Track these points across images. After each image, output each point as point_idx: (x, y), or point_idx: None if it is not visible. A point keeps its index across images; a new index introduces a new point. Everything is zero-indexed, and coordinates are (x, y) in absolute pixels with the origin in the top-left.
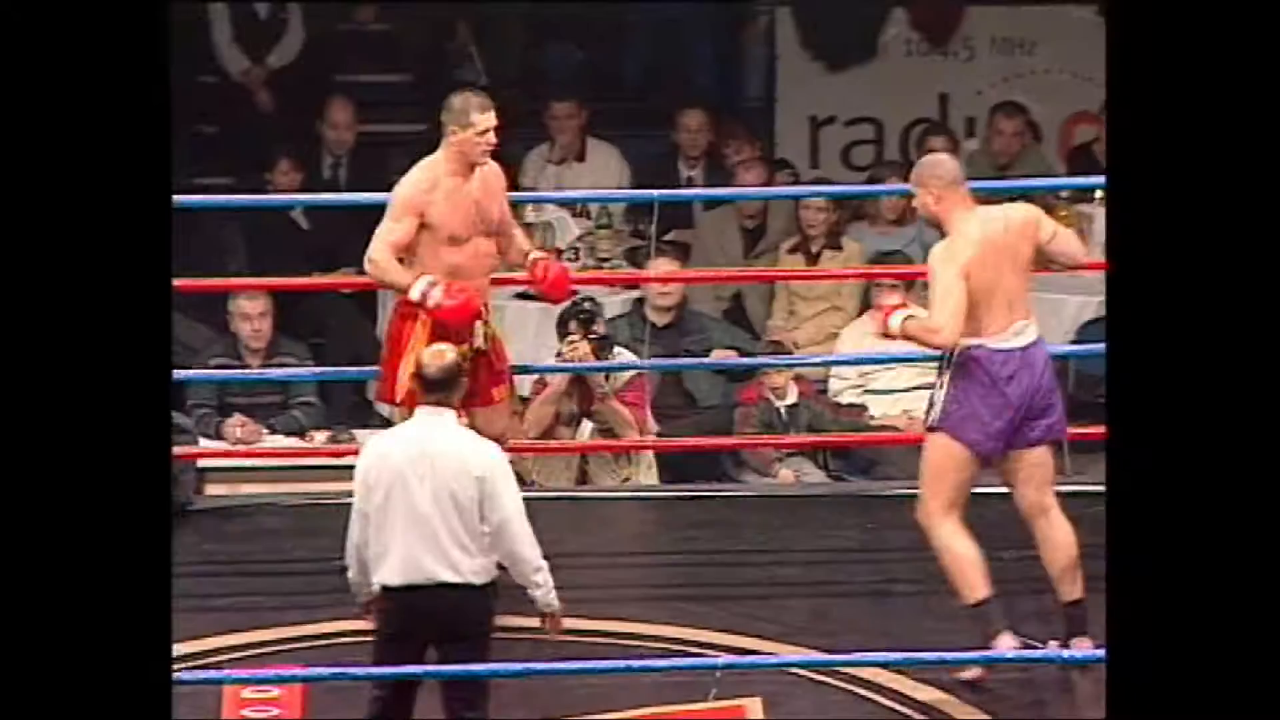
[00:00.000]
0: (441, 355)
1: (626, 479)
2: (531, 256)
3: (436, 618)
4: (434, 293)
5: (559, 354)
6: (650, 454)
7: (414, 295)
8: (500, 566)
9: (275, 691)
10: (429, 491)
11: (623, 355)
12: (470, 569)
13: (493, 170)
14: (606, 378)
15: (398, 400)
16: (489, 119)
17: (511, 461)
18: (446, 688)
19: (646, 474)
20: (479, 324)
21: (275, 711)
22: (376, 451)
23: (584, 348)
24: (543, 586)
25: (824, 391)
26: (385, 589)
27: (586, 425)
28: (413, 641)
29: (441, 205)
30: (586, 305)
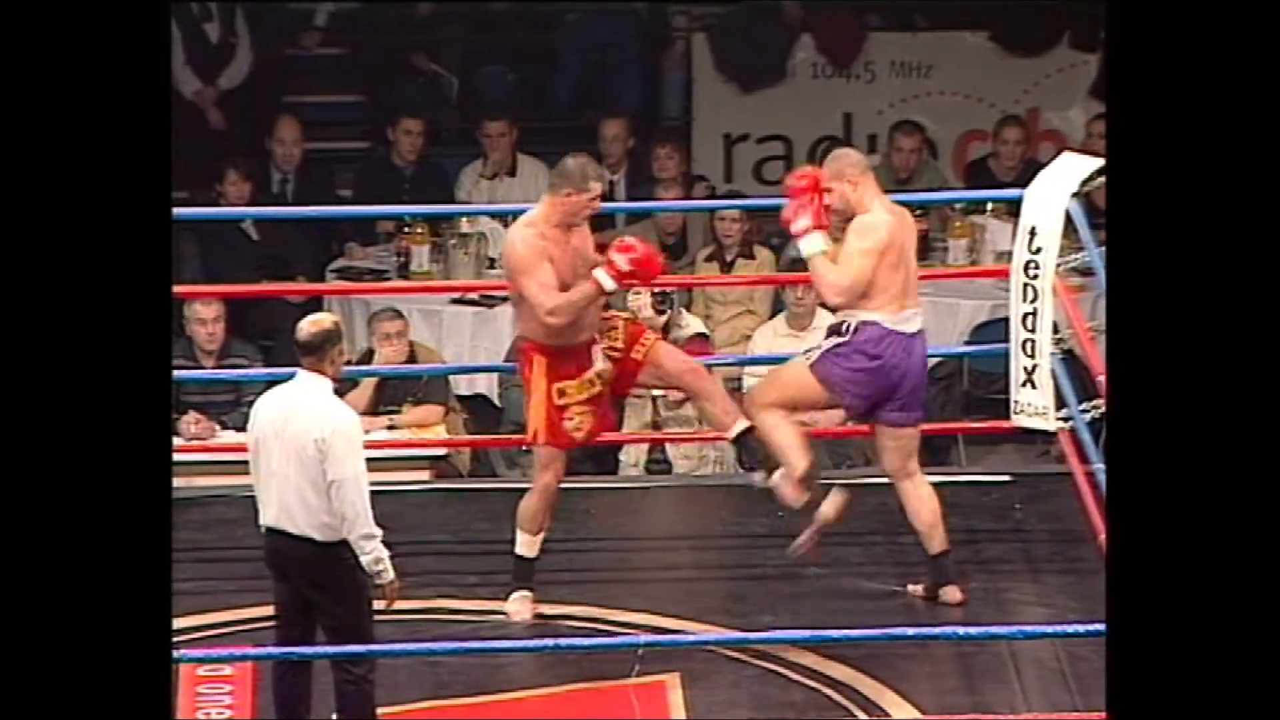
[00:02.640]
0: (318, 322)
1: None
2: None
3: (293, 564)
4: (619, 259)
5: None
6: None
7: (609, 285)
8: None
9: (228, 669)
10: (282, 448)
11: (685, 316)
12: (309, 524)
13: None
14: (666, 331)
15: (531, 440)
16: (600, 186)
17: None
18: (332, 644)
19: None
20: (598, 350)
21: (228, 688)
22: (256, 408)
23: (646, 297)
24: (369, 553)
25: (739, 389)
26: (266, 529)
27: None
28: (288, 582)
29: (555, 256)
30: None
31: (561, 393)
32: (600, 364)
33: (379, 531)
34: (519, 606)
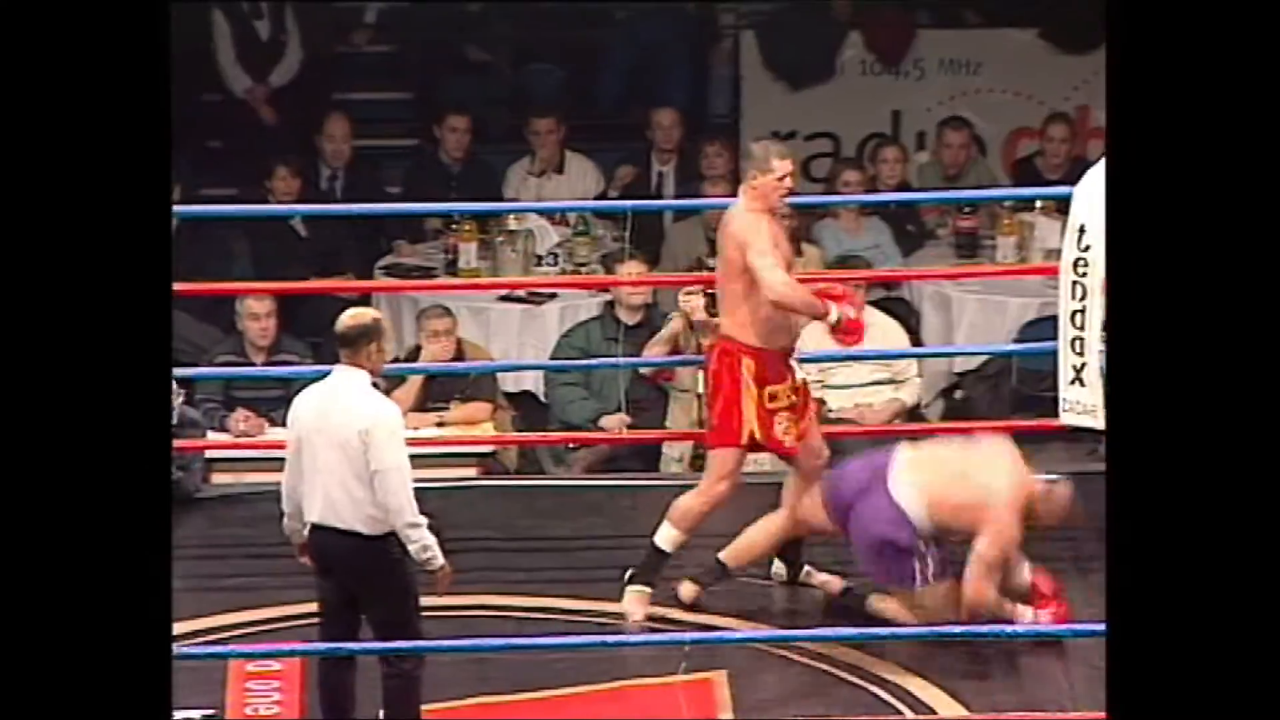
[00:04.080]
0: (358, 316)
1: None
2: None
3: (339, 559)
4: (847, 310)
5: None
6: None
7: (834, 316)
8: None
9: (276, 665)
10: (325, 442)
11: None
12: (355, 517)
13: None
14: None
15: (742, 443)
16: (787, 165)
17: None
18: (379, 639)
19: None
20: (794, 362)
21: (276, 684)
22: (295, 404)
23: (699, 299)
24: (415, 542)
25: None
26: (311, 526)
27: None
28: (333, 578)
29: (777, 242)
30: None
31: (773, 396)
32: (801, 374)
33: (424, 520)
34: (635, 606)
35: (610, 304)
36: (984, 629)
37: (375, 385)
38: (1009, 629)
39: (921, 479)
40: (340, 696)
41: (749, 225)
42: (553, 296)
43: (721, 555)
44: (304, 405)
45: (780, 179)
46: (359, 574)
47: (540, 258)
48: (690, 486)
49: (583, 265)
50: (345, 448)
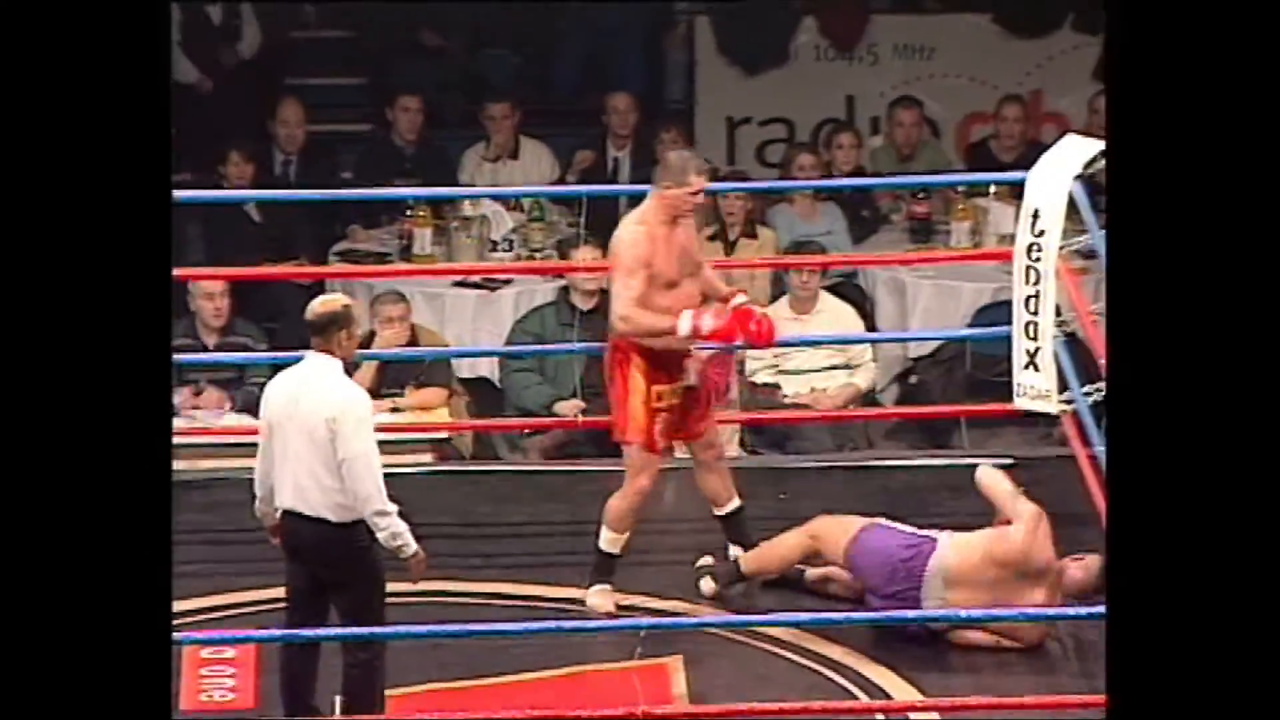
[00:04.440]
0: (328, 303)
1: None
2: (734, 302)
3: (307, 546)
4: (704, 321)
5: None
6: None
7: (685, 329)
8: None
9: (231, 652)
10: (295, 429)
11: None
12: (323, 504)
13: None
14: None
15: (629, 439)
16: (702, 180)
17: None
18: (344, 625)
19: (730, 443)
20: (690, 361)
21: (230, 670)
22: (268, 390)
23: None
24: (384, 530)
25: (741, 372)
26: (281, 511)
27: None
28: (300, 562)
29: (660, 255)
30: None
31: (659, 396)
32: (692, 378)
33: (393, 508)
34: (600, 600)
35: (565, 290)
36: (939, 613)
37: (346, 371)
38: (967, 613)
39: (955, 585)
40: (300, 683)
41: (627, 242)
42: (508, 282)
43: (742, 561)
44: (276, 391)
45: (693, 193)
46: (327, 561)
47: (495, 243)
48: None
49: (538, 251)
50: (313, 435)
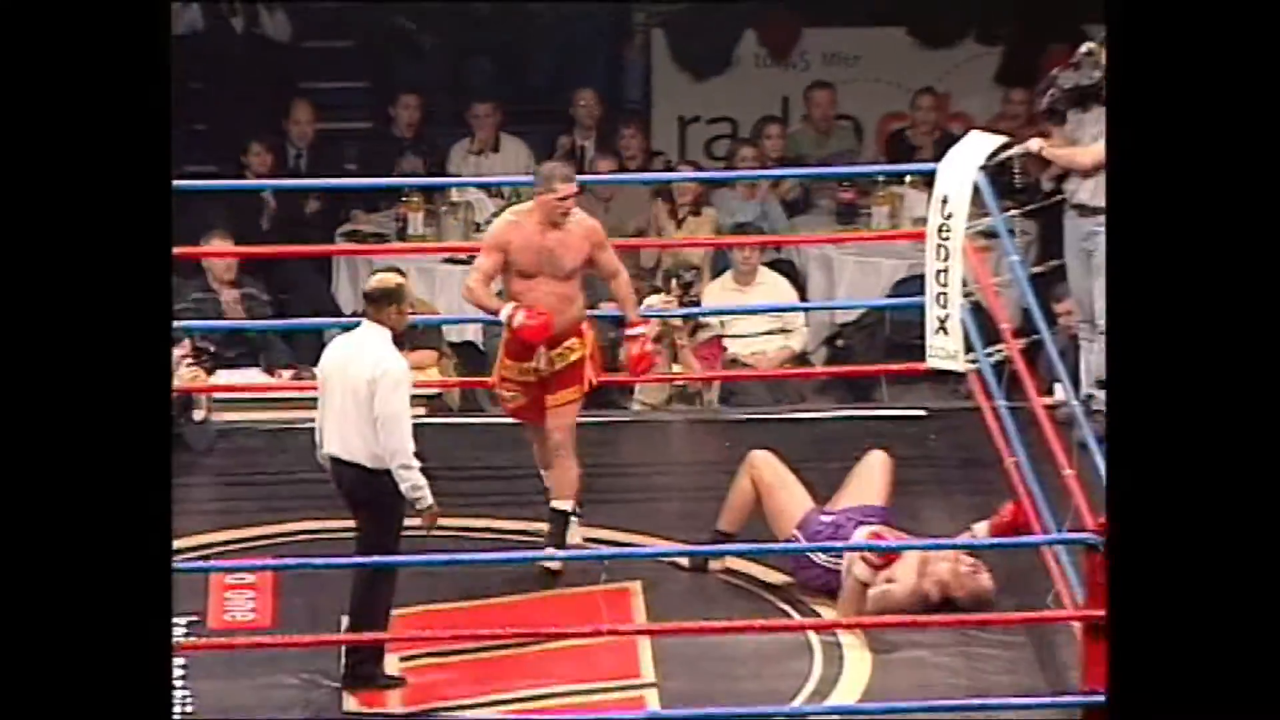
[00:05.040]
0: (383, 280)
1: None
2: (630, 333)
3: (345, 485)
4: (517, 315)
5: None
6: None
7: (502, 316)
8: None
9: (251, 578)
10: (341, 387)
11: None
12: (362, 453)
13: (583, 228)
14: (691, 333)
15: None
16: (569, 188)
17: None
18: (360, 553)
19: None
20: (542, 351)
21: (251, 594)
22: (326, 351)
23: (674, 301)
24: (406, 481)
25: (694, 335)
26: (330, 457)
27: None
28: (347, 501)
29: (517, 244)
30: (688, 275)
31: (505, 365)
32: (540, 363)
33: (417, 463)
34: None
35: None
36: (869, 543)
37: (397, 342)
38: (891, 544)
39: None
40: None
41: (495, 225)
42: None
43: (720, 526)
44: (331, 352)
45: (561, 199)
46: (357, 498)
47: (479, 225)
48: (617, 424)
49: None
50: (356, 393)
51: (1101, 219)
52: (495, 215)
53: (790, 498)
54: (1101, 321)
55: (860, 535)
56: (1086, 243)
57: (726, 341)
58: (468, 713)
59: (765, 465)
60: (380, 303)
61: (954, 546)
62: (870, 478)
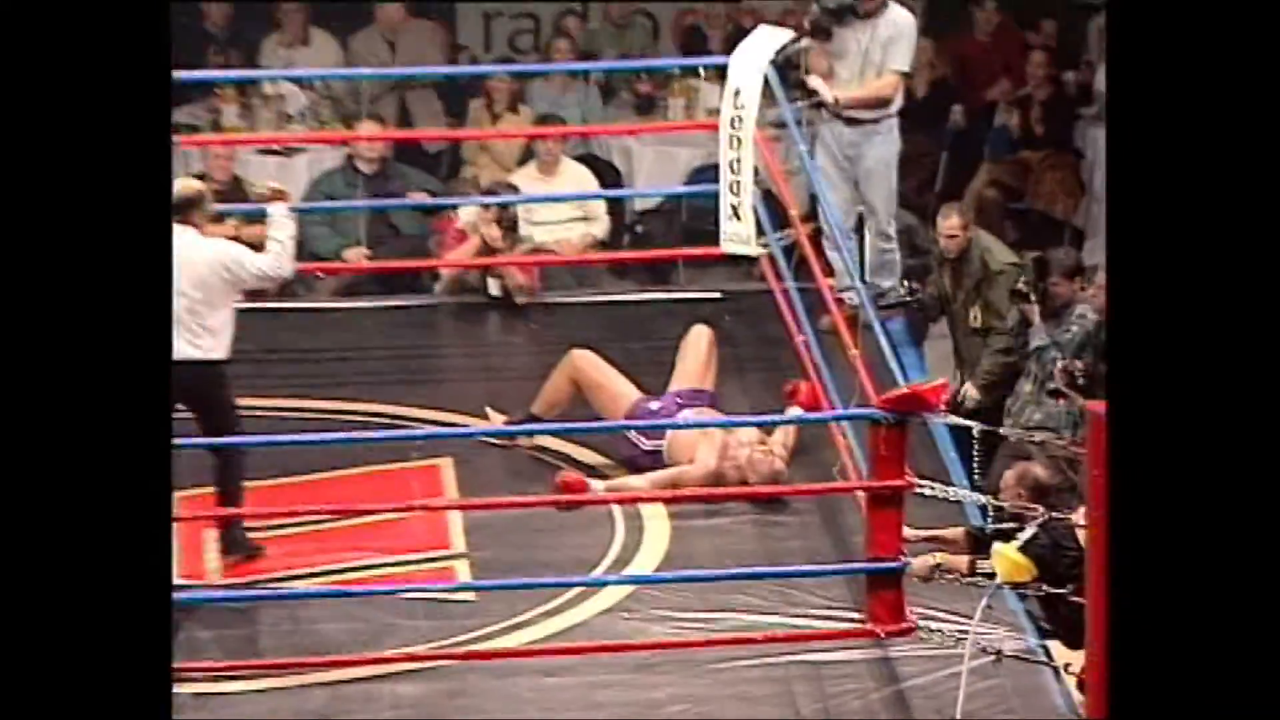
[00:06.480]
0: (185, 187)
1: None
2: None
3: (179, 386)
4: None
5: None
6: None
7: None
8: None
9: None
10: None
11: (525, 231)
12: (188, 350)
13: None
14: (511, 246)
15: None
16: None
17: None
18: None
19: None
20: None
21: None
22: None
23: (495, 230)
24: (278, 237)
25: (515, 230)
26: None
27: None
28: (181, 400)
29: None
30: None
31: None
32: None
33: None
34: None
35: (350, 157)
36: (660, 422)
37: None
38: (675, 420)
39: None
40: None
41: None
42: (301, 150)
43: (533, 410)
44: None
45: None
46: (186, 397)
47: (290, 117)
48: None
49: (326, 124)
50: (182, 293)
51: (868, 128)
52: (307, 108)
53: (617, 391)
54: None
55: (683, 417)
56: (850, 150)
57: (530, 229)
58: (279, 585)
59: (587, 364)
60: (185, 209)
61: (752, 423)
62: (695, 357)
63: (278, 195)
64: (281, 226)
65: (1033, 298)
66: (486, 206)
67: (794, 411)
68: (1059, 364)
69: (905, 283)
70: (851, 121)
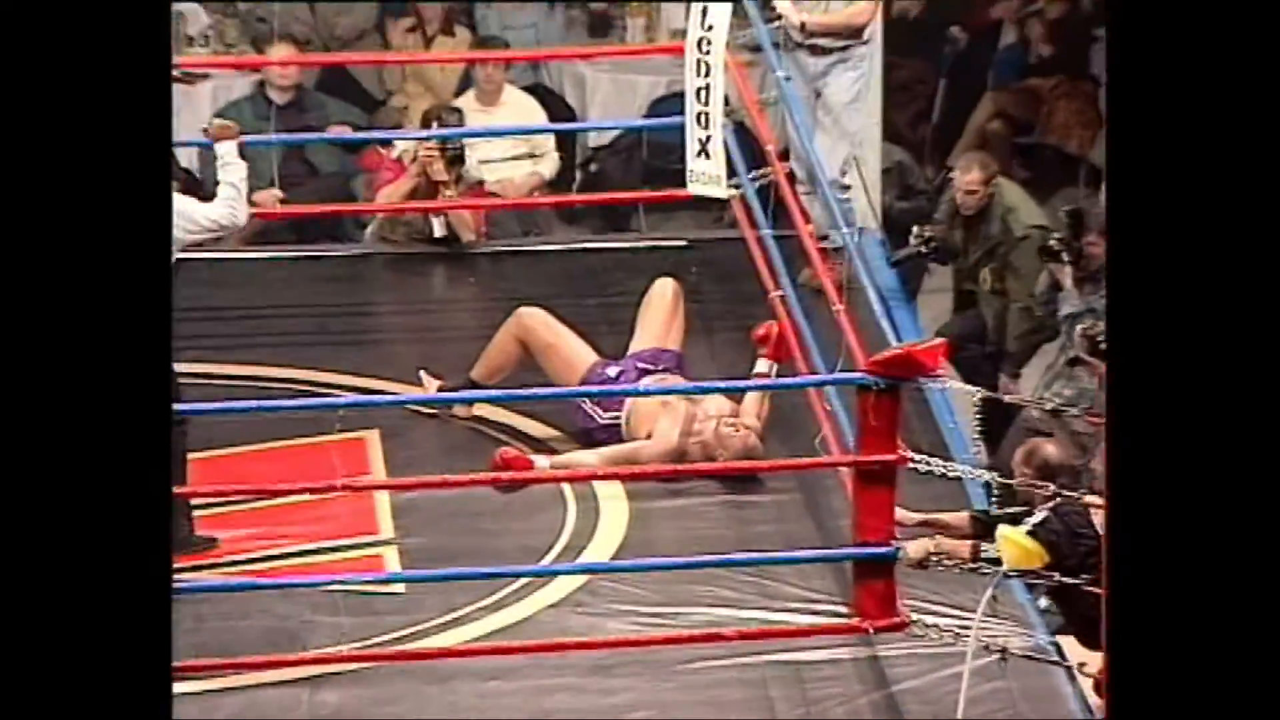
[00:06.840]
0: None
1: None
2: None
3: None
4: None
5: (415, 154)
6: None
7: None
8: None
9: None
10: None
11: (471, 165)
12: None
13: None
14: (456, 180)
15: None
16: None
17: None
18: None
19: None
20: None
21: None
22: None
23: (440, 163)
24: (228, 178)
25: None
26: None
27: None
28: None
29: None
30: (450, 118)
31: None
32: None
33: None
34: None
35: (261, 84)
36: (621, 388)
37: None
38: (646, 385)
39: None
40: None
41: None
42: (205, 76)
43: (473, 375)
44: None
45: None
46: None
47: (192, 38)
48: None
49: (232, 46)
50: None
51: (834, 57)
52: (211, 27)
53: (570, 354)
54: (829, 173)
55: (645, 385)
56: (816, 82)
57: (469, 167)
58: (181, 577)
59: (538, 324)
60: None
61: (721, 389)
62: (658, 314)
63: (224, 132)
64: (232, 169)
65: (1065, 257)
66: (421, 140)
67: (764, 364)
68: (1078, 328)
69: (920, 230)
70: (817, 50)
